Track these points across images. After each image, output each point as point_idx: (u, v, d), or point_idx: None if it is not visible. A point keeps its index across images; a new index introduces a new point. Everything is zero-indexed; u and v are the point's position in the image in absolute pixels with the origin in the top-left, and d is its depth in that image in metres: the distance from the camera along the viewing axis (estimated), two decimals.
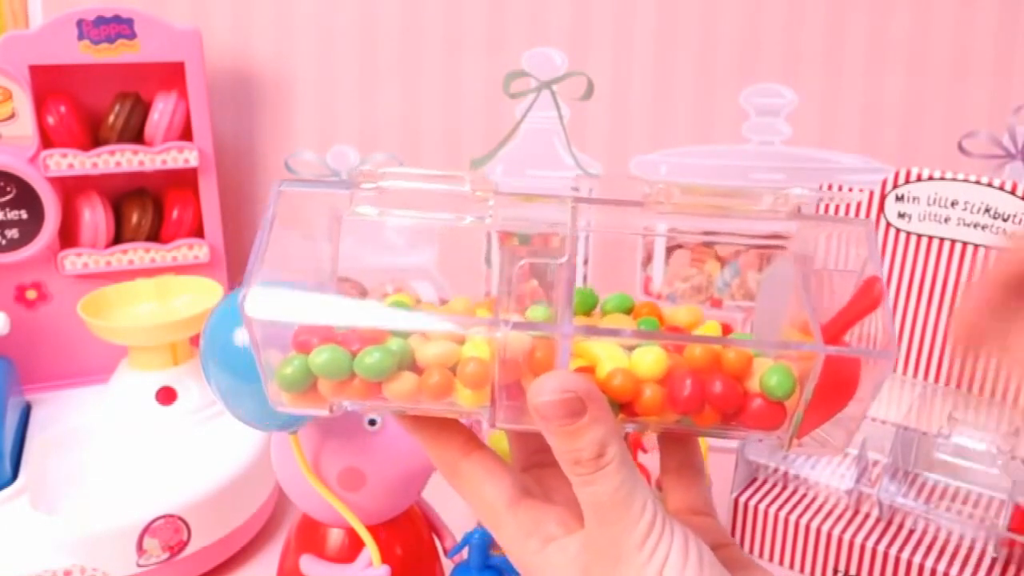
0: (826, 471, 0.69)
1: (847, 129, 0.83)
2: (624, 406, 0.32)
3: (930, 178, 0.68)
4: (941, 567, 0.62)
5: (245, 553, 0.71)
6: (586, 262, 0.33)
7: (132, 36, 0.77)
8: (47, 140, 0.77)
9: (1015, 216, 0.65)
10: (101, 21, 0.76)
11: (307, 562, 0.55)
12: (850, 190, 0.73)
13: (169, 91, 0.80)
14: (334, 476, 0.52)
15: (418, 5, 0.84)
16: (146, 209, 0.83)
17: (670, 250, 0.74)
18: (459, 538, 0.60)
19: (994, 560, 0.62)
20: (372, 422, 0.52)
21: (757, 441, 0.33)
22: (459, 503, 0.68)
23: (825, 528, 0.66)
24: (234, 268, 0.90)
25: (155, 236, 0.83)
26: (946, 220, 0.68)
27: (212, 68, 0.85)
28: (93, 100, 0.81)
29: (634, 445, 0.67)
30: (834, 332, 0.32)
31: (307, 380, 0.31)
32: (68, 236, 0.81)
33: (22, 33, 0.76)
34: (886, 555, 0.64)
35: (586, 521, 0.31)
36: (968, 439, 0.68)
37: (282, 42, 0.86)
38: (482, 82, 0.86)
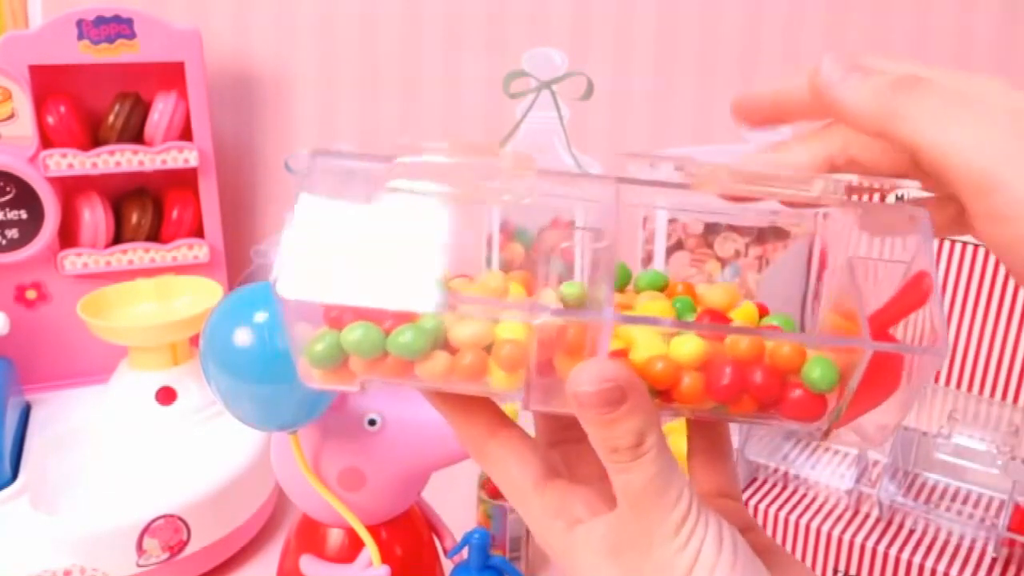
0: (826, 471, 0.69)
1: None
2: (661, 392, 0.31)
3: None
4: (941, 567, 0.62)
5: (245, 553, 0.71)
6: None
7: (132, 36, 0.77)
8: (47, 140, 0.77)
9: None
10: (101, 21, 0.76)
11: (307, 562, 0.55)
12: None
13: (169, 91, 0.80)
14: (334, 476, 0.52)
15: (418, 5, 0.84)
16: (146, 209, 0.83)
17: (670, 250, 0.74)
18: (459, 538, 0.60)
19: (994, 560, 0.62)
20: (372, 422, 0.52)
21: (793, 429, 0.33)
22: (459, 503, 0.68)
23: (825, 528, 0.66)
24: (234, 268, 0.90)
25: (155, 236, 0.83)
26: None
27: (212, 68, 0.85)
28: (93, 100, 0.81)
29: None
30: (879, 325, 0.31)
31: (338, 357, 0.31)
32: (68, 236, 0.81)
33: (22, 33, 0.76)
34: (886, 555, 0.64)
35: (619, 506, 0.31)
36: (968, 439, 0.68)
37: (282, 42, 0.86)
38: (482, 82, 0.86)
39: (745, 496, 0.70)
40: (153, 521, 0.63)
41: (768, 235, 0.86)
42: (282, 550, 0.59)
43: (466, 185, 0.32)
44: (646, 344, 0.31)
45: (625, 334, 0.32)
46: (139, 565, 0.64)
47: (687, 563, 0.29)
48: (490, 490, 0.68)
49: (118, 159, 0.78)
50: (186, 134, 0.81)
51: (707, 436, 0.37)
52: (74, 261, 0.81)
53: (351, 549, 0.55)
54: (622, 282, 0.36)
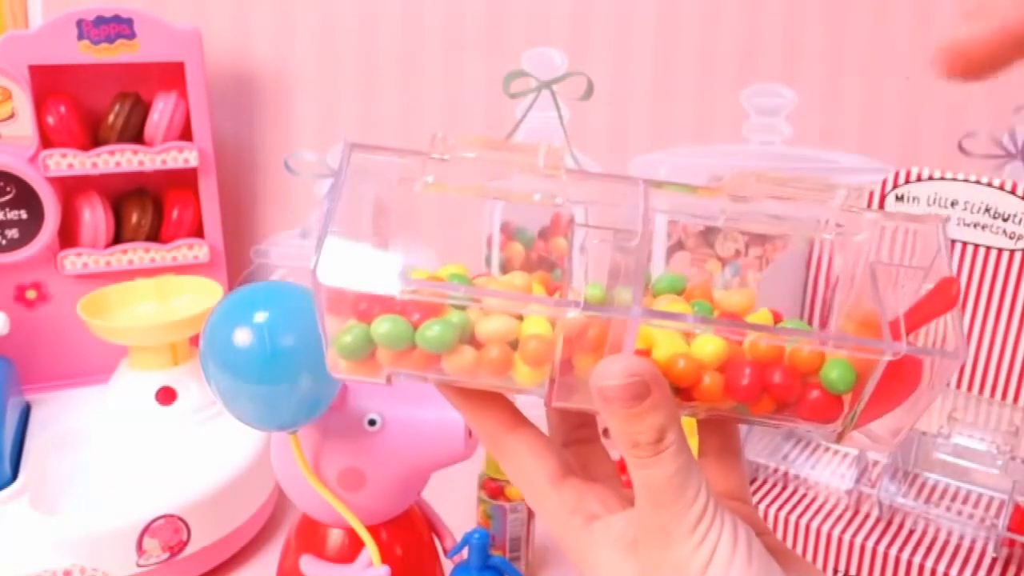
0: (826, 471, 0.69)
1: (847, 129, 0.83)
2: (681, 391, 0.31)
3: (930, 178, 0.68)
4: (941, 567, 0.62)
5: (245, 553, 0.71)
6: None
7: (132, 36, 0.77)
8: (47, 140, 0.77)
9: (1015, 216, 0.65)
10: (101, 21, 0.76)
11: (307, 562, 0.55)
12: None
13: (169, 91, 0.80)
14: (334, 476, 0.52)
15: (418, 5, 0.84)
16: (146, 209, 0.83)
17: (671, 250, 0.74)
18: (459, 538, 0.60)
19: (994, 560, 0.62)
20: (372, 422, 0.52)
21: (807, 431, 0.33)
22: (459, 503, 0.68)
23: (825, 528, 0.66)
24: (234, 268, 0.90)
25: (155, 236, 0.83)
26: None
27: (212, 68, 0.85)
28: (93, 100, 0.81)
29: None
30: (898, 329, 0.32)
31: (366, 348, 0.31)
32: (68, 236, 0.81)
33: (22, 33, 0.76)
34: (886, 555, 0.63)
35: (637, 501, 0.31)
36: (968, 439, 0.68)
37: (282, 42, 0.86)
38: (482, 82, 0.86)
39: None
40: (153, 521, 0.63)
41: (768, 235, 0.86)
42: (282, 550, 0.59)
43: (498, 182, 0.33)
44: (667, 345, 0.32)
45: (647, 335, 0.32)
46: (139, 565, 0.64)
47: (703, 561, 0.30)
48: (490, 490, 0.68)
49: (118, 159, 0.78)
50: (186, 134, 0.81)
51: (718, 438, 0.37)
52: (74, 261, 0.81)
53: (351, 549, 0.55)
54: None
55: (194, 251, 0.83)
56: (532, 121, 0.86)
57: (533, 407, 0.35)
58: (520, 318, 0.31)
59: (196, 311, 0.74)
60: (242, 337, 0.44)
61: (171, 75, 0.79)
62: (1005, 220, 0.66)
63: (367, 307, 0.31)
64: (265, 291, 0.47)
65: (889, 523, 0.66)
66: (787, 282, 0.72)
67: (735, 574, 0.29)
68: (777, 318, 0.35)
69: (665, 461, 0.30)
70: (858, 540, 0.65)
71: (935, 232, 0.33)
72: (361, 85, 0.86)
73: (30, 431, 0.74)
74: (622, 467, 0.33)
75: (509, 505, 0.67)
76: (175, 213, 0.83)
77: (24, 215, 0.78)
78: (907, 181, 0.69)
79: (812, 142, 0.84)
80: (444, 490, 0.63)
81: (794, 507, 0.68)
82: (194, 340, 0.75)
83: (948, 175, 0.68)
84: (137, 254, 0.82)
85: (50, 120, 0.77)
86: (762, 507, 0.68)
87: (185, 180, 0.83)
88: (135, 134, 0.81)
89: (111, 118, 0.79)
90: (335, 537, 0.56)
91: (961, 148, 0.81)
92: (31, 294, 0.81)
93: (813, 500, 0.69)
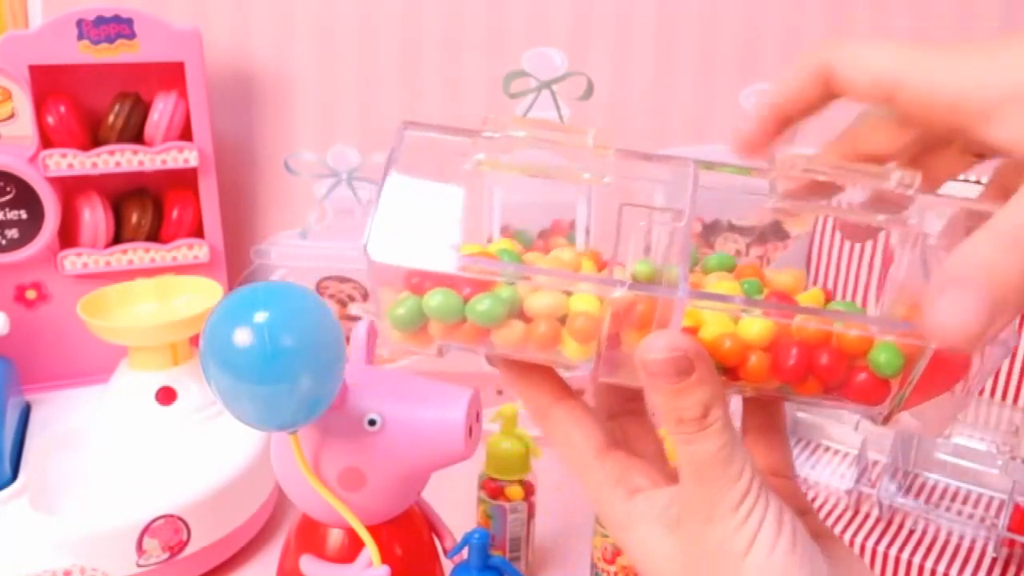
0: (826, 471, 0.69)
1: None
2: (727, 370, 0.32)
3: None
4: (941, 567, 0.62)
5: (245, 553, 0.71)
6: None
7: (132, 36, 0.77)
8: (47, 140, 0.77)
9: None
10: (101, 21, 0.76)
11: (307, 562, 0.55)
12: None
13: (169, 91, 0.80)
14: (334, 476, 0.52)
15: (418, 5, 0.84)
16: (146, 209, 0.83)
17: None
18: (459, 538, 0.60)
19: (994, 560, 0.62)
20: (372, 422, 0.52)
21: (852, 411, 0.33)
22: (459, 503, 0.68)
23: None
24: (234, 268, 0.90)
25: (155, 236, 0.83)
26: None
27: (212, 68, 0.85)
28: (93, 100, 0.81)
29: None
30: None
31: (418, 321, 0.32)
32: (68, 236, 0.81)
33: (22, 33, 0.76)
34: (886, 555, 0.63)
35: (682, 477, 0.31)
36: (968, 439, 0.68)
37: (282, 42, 0.86)
38: (482, 82, 0.86)
39: None
40: (153, 521, 0.63)
41: (769, 235, 0.86)
42: (282, 550, 0.59)
43: (548, 161, 0.33)
44: (715, 324, 0.32)
45: (695, 315, 0.32)
46: (139, 565, 0.64)
47: (746, 540, 0.29)
48: (490, 490, 0.68)
49: (118, 159, 0.78)
50: (186, 134, 0.81)
51: (763, 413, 0.37)
52: (74, 261, 0.81)
53: (351, 549, 0.55)
54: (691, 263, 0.37)
55: (194, 251, 0.83)
56: None
57: (575, 379, 0.35)
58: (568, 293, 0.32)
59: (196, 311, 0.74)
60: (242, 337, 0.44)
61: (171, 75, 0.79)
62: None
63: (420, 280, 0.32)
64: (265, 291, 0.47)
65: (889, 523, 0.66)
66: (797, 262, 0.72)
67: (779, 558, 0.29)
68: (828, 297, 0.35)
69: (710, 437, 0.30)
70: (858, 540, 0.65)
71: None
72: (361, 85, 0.86)
73: (30, 431, 0.74)
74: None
75: (509, 505, 0.67)
76: (175, 213, 0.83)
77: (24, 215, 0.78)
78: None
79: (812, 142, 0.84)
80: (444, 490, 0.63)
81: None
82: (194, 340, 0.75)
83: None
84: (137, 254, 0.82)
85: (50, 120, 0.77)
86: None
87: (185, 180, 0.83)
88: (135, 134, 0.81)
89: (111, 118, 0.79)
90: (335, 537, 0.56)
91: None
92: (31, 294, 0.81)
93: (813, 500, 0.69)
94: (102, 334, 0.73)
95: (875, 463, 0.69)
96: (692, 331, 0.32)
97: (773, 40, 0.82)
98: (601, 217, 0.36)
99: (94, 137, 0.80)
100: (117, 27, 0.76)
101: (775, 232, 0.85)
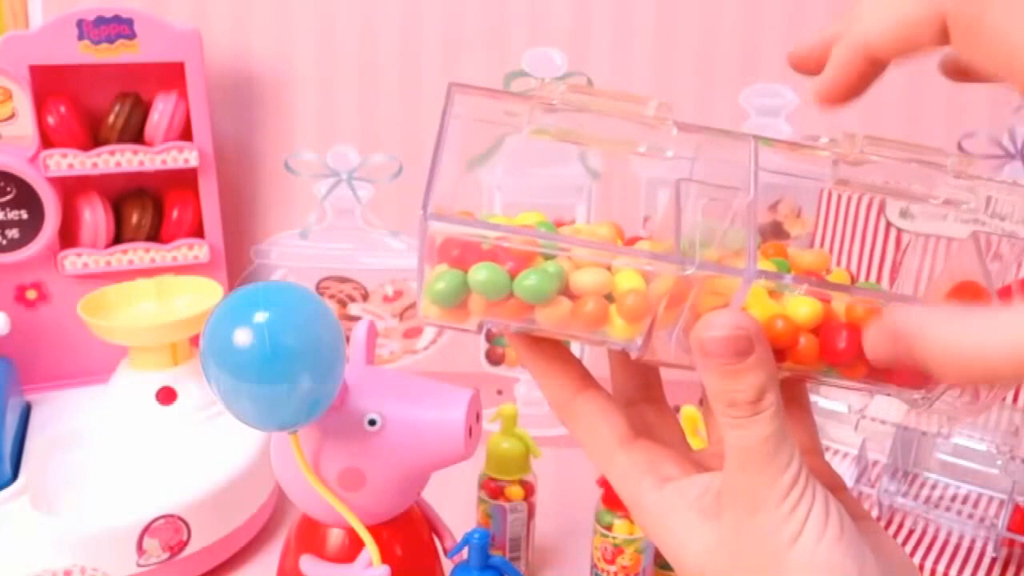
0: None
1: (847, 129, 0.83)
2: (776, 352, 0.31)
3: None
4: (941, 567, 0.62)
5: (245, 553, 0.71)
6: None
7: (132, 36, 0.77)
8: (47, 140, 0.77)
9: (1014, 216, 0.65)
10: (101, 21, 0.76)
11: (307, 562, 0.55)
12: None
13: (169, 91, 0.80)
14: (334, 476, 0.52)
15: (418, 5, 0.84)
16: (146, 209, 0.83)
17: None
18: (459, 538, 0.60)
19: (994, 560, 0.62)
20: (372, 422, 0.52)
21: (891, 396, 0.32)
22: (459, 503, 0.68)
23: None
24: (234, 268, 0.90)
25: (155, 236, 0.83)
26: (944, 219, 0.68)
27: (212, 68, 0.85)
28: (93, 100, 0.81)
29: None
30: (1009, 299, 0.31)
31: (459, 295, 0.31)
32: (68, 236, 0.81)
33: (22, 33, 0.76)
34: None
35: (727, 464, 0.30)
36: (968, 439, 0.68)
37: (282, 42, 0.86)
38: (482, 82, 0.85)
39: None
40: (153, 521, 0.64)
41: (768, 234, 0.86)
42: (282, 550, 0.59)
43: (607, 132, 0.32)
44: (758, 305, 0.31)
45: (725, 296, 0.31)
46: (139, 565, 0.64)
47: (792, 531, 0.28)
48: (490, 490, 0.68)
49: (118, 159, 0.78)
50: (186, 134, 0.81)
51: (789, 390, 0.35)
52: (74, 261, 0.81)
53: (351, 549, 0.55)
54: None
55: (194, 251, 0.83)
56: None
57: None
58: (614, 271, 0.30)
59: (196, 311, 0.74)
60: (242, 337, 0.44)
61: (171, 75, 0.79)
62: (1003, 220, 0.66)
63: (460, 253, 0.30)
64: (265, 291, 0.47)
65: (889, 523, 0.66)
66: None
67: (825, 548, 0.28)
68: (853, 279, 0.35)
69: (762, 423, 0.29)
70: None
71: None
72: (361, 85, 0.86)
73: (30, 431, 0.74)
74: None
75: (509, 505, 0.67)
76: (175, 213, 0.83)
77: (24, 215, 0.78)
78: None
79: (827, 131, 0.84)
80: (444, 490, 0.63)
81: None
82: (194, 340, 0.75)
83: None
84: (137, 254, 0.82)
85: (50, 120, 0.77)
86: None
87: (185, 180, 0.83)
88: (135, 134, 0.81)
89: (111, 118, 0.79)
90: (335, 537, 0.56)
91: (960, 148, 0.81)
92: (31, 294, 0.82)
93: None
94: (102, 334, 0.73)
95: (875, 463, 0.69)
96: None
97: (773, 40, 0.82)
98: (601, 217, 0.36)
99: (94, 137, 0.80)
100: (117, 27, 0.76)
101: (775, 231, 0.86)
